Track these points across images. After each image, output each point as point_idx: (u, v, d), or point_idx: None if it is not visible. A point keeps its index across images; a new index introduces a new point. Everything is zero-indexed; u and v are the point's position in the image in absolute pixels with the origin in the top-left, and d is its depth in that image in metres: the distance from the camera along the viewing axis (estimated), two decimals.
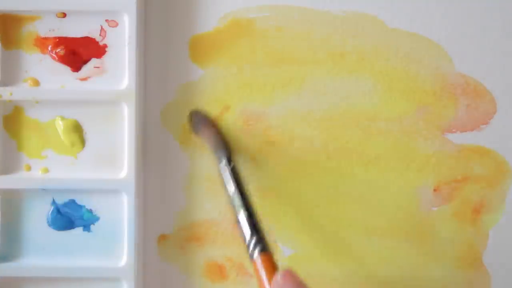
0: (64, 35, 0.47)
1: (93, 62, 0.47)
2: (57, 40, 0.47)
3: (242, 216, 0.41)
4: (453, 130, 0.47)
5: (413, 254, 0.48)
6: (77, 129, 0.47)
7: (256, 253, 0.40)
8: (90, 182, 0.46)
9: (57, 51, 0.47)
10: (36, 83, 0.47)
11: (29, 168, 0.47)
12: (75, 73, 0.47)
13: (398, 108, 0.47)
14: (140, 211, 0.47)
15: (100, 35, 0.47)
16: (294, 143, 0.48)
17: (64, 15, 0.47)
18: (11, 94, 0.46)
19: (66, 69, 0.47)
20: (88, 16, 0.46)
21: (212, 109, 0.48)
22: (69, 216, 0.47)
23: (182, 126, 0.48)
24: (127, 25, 0.46)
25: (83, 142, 0.47)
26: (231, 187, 0.42)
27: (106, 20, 0.47)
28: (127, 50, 0.46)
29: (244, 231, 0.41)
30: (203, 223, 0.48)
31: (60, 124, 0.47)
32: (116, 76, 0.47)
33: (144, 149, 0.48)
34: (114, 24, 0.47)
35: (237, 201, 0.42)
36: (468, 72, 0.47)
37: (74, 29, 0.47)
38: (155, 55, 0.48)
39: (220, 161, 0.44)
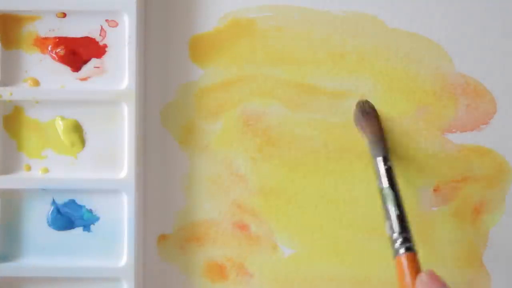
0: (64, 35, 0.47)
1: (93, 62, 0.47)
2: (57, 40, 0.47)
3: (393, 212, 0.43)
4: (453, 130, 0.47)
5: None
6: (77, 129, 0.47)
7: (402, 250, 0.41)
8: (90, 182, 0.46)
9: (57, 51, 0.47)
10: (36, 83, 0.47)
11: (29, 168, 0.47)
12: (75, 73, 0.47)
13: (398, 108, 0.47)
14: (140, 211, 0.47)
15: (100, 35, 0.47)
16: (294, 143, 0.48)
17: (64, 15, 0.47)
18: (11, 94, 0.46)
19: (66, 69, 0.47)
20: (88, 16, 0.46)
21: (212, 109, 0.48)
22: (69, 216, 0.47)
23: (182, 126, 0.48)
24: (127, 25, 0.46)
25: (83, 142, 0.47)
26: (385, 183, 0.44)
27: (106, 20, 0.47)
28: (127, 50, 0.46)
29: (393, 227, 0.42)
30: (203, 223, 0.48)
31: (60, 124, 0.47)
32: (116, 76, 0.47)
33: (144, 149, 0.48)
34: (114, 24, 0.47)
35: (391, 196, 0.43)
36: (468, 72, 0.47)
37: (74, 29, 0.47)
38: (155, 55, 0.48)
39: (376, 157, 0.45)
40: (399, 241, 0.42)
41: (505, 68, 0.47)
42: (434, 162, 0.47)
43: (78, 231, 0.47)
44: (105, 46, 0.47)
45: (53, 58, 0.47)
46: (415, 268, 0.41)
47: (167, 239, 0.48)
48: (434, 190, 0.48)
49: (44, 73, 0.47)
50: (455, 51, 0.47)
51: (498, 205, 0.47)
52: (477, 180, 0.47)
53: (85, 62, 0.47)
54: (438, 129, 0.47)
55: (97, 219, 0.47)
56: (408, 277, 0.40)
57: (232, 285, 0.48)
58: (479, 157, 0.47)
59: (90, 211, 0.47)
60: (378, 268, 0.48)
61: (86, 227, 0.47)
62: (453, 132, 0.47)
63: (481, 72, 0.47)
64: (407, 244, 0.42)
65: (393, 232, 0.42)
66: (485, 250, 0.48)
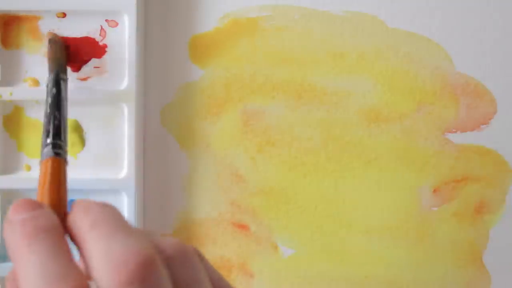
0: (64, 35, 0.47)
1: (93, 62, 0.47)
2: None
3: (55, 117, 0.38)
4: (453, 130, 0.47)
5: (413, 254, 0.48)
6: (77, 129, 0.47)
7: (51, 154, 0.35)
8: (90, 182, 0.46)
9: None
10: (36, 83, 0.47)
11: (29, 168, 0.47)
12: (75, 73, 0.47)
13: (398, 108, 0.47)
14: (140, 211, 0.47)
15: (100, 35, 0.47)
16: (294, 143, 0.48)
17: (64, 15, 0.47)
18: (11, 94, 0.46)
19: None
20: (88, 16, 0.46)
21: (212, 109, 0.48)
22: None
23: (182, 126, 0.48)
24: (127, 25, 0.46)
25: (83, 142, 0.47)
26: (53, 89, 0.40)
27: (106, 20, 0.46)
28: (127, 50, 0.46)
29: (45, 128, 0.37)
30: (203, 223, 0.48)
31: None
32: (116, 76, 0.47)
33: (144, 149, 0.48)
34: (114, 24, 0.47)
35: (56, 100, 0.39)
36: (468, 72, 0.47)
37: (74, 29, 0.47)
38: (155, 55, 0.48)
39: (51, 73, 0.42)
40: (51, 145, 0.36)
41: (505, 68, 0.47)
42: (434, 162, 0.47)
43: None
44: (105, 46, 0.47)
45: None
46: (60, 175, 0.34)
47: None
48: (434, 190, 0.48)
49: (44, 73, 0.47)
50: (455, 51, 0.47)
51: (498, 205, 0.47)
52: (477, 180, 0.47)
53: (85, 62, 0.47)
54: (438, 129, 0.47)
55: None
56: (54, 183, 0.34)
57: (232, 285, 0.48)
58: (479, 157, 0.47)
59: None
60: (377, 268, 0.48)
61: None
62: (453, 132, 0.47)
63: (481, 72, 0.47)
64: (58, 150, 0.35)
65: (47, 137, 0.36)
66: (485, 250, 0.48)
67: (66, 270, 0.26)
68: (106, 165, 0.47)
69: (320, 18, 0.47)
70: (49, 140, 0.36)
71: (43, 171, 0.34)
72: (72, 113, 0.47)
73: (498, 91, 0.47)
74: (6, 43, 0.47)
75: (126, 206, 0.46)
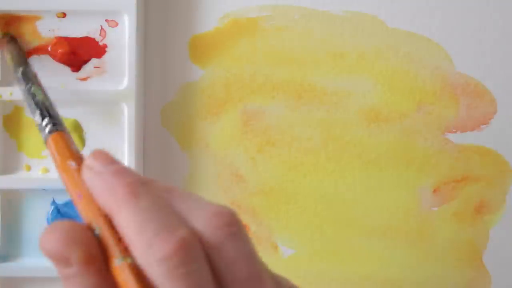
0: (64, 35, 0.47)
1: (93, 62, 0.47)
2: (57, 40, 0.47)
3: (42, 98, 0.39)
4: (453, 130, 0.47)
5: (413, 254, 0.48)
6: (77, 129, 0.47)
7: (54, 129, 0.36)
8: None
9: (57, 51, 0.47)
10: None
11: (29, 168, 0.47)
12: (75, 73, 0.47)
13: (398, 108, 0.47)
14: None
15: (100, 35, 0.47)
16: (294, 143, 0.48)
17: (64, 15, 0.47)
18: (11, 94, 0.46)
19: (66, 69, 0.47)
20: (88, 16, 0.46)
21: (212, 109, 0.48)
22: (69, 216, 0.47)
23: (182, 126, 0.48)
24: (127, 25, 0.46)
25: (83, 142, 0.47)
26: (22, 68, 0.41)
27: (106, 20, 0.46)
28: (127, 50, 0.46)
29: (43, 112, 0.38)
30: None
31: None
32: (116, 76, 0.47)
33: (144, 149, 0.48)
34: (114, 24, 0.47)
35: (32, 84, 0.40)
36: (468, 72, 0.47)
37: (74, 29, 0.47)
38: (155, 55, 0.48)
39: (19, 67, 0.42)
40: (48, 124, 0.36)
41: (505, 68, 0.47)
42: (434, 162, 0.47)
43: None
44: (105, 46, 0.47)
45: (53, 58, 0.47)
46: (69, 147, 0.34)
47: None
48: (434, 190, 0.48)
49: (44, 73, 0.47)
50: (455, 51, 0.47)
51: (498, 205, 0.47)
52: (477, 180, 0.47)
53: (85, 62, 0.47)
54: (438, 129, 0.47)
55: None
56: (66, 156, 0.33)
57: None
58: (479, 157, 0.47)
59: None
60: (378, 268, 0.48)
61: None
62: (453, 132, 0.47)
63: (481, 72, 0.47)
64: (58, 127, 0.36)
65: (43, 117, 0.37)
66: (485, 250, 0.48)
67: (177, 219, 0.28)
68: None
69: (320, 18, 0.47)
70: (44, 123, 0.36)
71: (53, 147, 0.34)
72: (72, 113, 0.47)
73: (498, 91, 0.47)
74: None
75: None
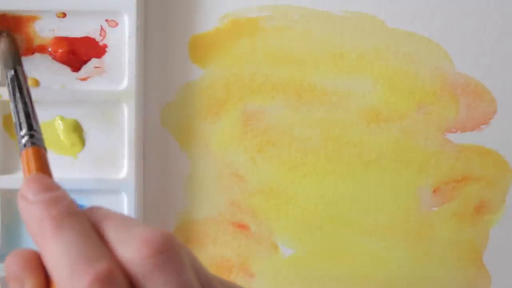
0: (64, 35, 0.47)
1: (93, 62, 0.47)
2: (57, 40, 0.47)
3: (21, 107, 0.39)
4: (453, 130, 0.47)
5: (413, 254, 0.48)
6: (77, 129, 0.47)
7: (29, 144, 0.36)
8: (90, 182, 0.46)
9: (57, 51, 0.47)
10: (36, 83, 0.47)
11: None
12: (75, 73, 0.47)
13: (398, 108, 0.47)
14: (140, 211, 0.47)
15: (100, 35, 0.47)
16: (294, 143, 0.48)
17: (64, 15, 0.47)
18: None
19: (66, 69, 0.47)
20: (88, 16, 0.46)
21: (212, 109, 0.48)
22: None
23: (182, 126, 0.48)
24: (127, 25, 0.46)
25: (83, 142, 0.47)
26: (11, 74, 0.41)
27: (106, 20, 0.46)
28: (127, 50, 0.46)
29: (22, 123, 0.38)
30: (203, 223, 0.48)
31: (60, 124, 0.47)
32: (116, 76, 0.47)
33: (144, 149, 0.48)
34: (114, 24, 0.47)
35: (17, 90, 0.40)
36: (468, 72, 0.47)
37: (74, 29, 0.47)
38: (155, 55, 0.48)
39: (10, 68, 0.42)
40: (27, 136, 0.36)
41: (505, 68, 0.47)
42: (434, 162, 0.47)
43: None
44: (105, 46, 0.47)
45: (53, 58, 0.47)
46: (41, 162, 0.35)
47: None
48: (434, 190, 0.48)
49: (44, 73, 0.47)
50: (455, 51, 0.47)
51: (498, 205, 0.47)
52: (477, 180, 0.47)
53: (85, 62, 0.47)
54: (438, 129, 0.47)
55: None
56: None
57: None
58: (479, 157, 0.47)
59: None
60: (378, 268, 0.48)
61: None
62: (453, 132, 0.47)
63: (481, 72, 0.47)
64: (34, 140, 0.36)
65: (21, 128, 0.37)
66: (485, 250, 0.48)
67: (99, 251, 0.28)
68: (106, 165, 0.47)
69: (320, 18, 0.47)
70: (22, 132, 0.37)
71: (25, 161, 0.34)
72: (72, 113, 0.47)
73: (498, 91, 0.47)
74: None
75: (126, 206, 0.46)
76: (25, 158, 0.35)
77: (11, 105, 0.40)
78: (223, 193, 0.48)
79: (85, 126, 0.47)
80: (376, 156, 0.47)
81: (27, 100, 0.40)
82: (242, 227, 0.48)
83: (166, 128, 0.48)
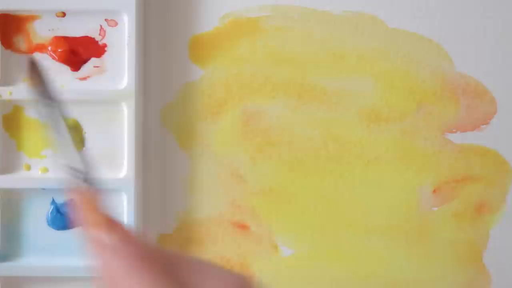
0: (63, 34, 0.47)
1: (93, 61, 0.47)
2: (57, 40, 0.47)
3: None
4: (453, 130, 0.47)
5: (413, 254, 0.48)
6: (77, 129, 0.47)
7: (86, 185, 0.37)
8: None
9: (57, 50, 0.47)
10: None
11: (29, 168, 0.47)
12: (75, 72, 0.47)
13: (398, 108, 0.47)
14: (140, 211, 0.47)
15: (99, 34, 0.47)
16: (294, 143, 0.48)
17: (63, 14, 0.46)
18: (10, 93, 0.46)
19: (65, 69, 0.47)
20: (87, 16, 0.46)
21: (212, 109, 0.48)
22: (69, 216, 0.47)
23: (182, 126, 0.48)
24: (127, 24, 0.46)
25: (83, 142, 0.47)
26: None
27: (106, 20, 0.46)
28: (127, 50, 0.46)
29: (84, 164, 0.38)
30: (203, 223, 0.48)
31: None
32: (116, 76, 0.47)
33: (144, 149, 0.48)
34: (113, 23, 0.46)
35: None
36: (468, 72, 0.47)
37: (73, 29, 0.47)
38: (155, 55, 0.47)
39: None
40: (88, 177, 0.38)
41: (505, 68, 0.47)
42: (434, 162, 0.47)
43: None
44: (104, 45, 0.47)
45: (53, 57, 0.47)
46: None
47: (167, 239, 0.48)
48: (434, 190, 0.48)
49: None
50: (455, 51, 0.47)
51: (498, 205, 0.47)
52: (477, 180, 0.47)
53: (85, 61, 0.47)
54: (438, 129, 0.47)
55: None
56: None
57: None
58: (479, 157, 0.47)
59: None
60: (378, 267, 0.48)
61: None
62: (453, 132, 0.47)
63: (481, 72, 0.47)
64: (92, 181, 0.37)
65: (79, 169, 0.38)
66: (485, 250, 0.48)
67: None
68: (106, 165, 0.47)
69: (320, 18, 0.47)
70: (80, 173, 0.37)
71: (82, 201, 0.36)
72: (72, 113, 0.47)
73: (498, 91, 0.47)
74: (6, 43, 0.47)
75: (126, 206, 0.46)
76: (80, 198, 0.36)
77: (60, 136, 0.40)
78: (223, 193, 0.48)
79: (85, 126, 0.47)
80: (376, 156, 0.47)
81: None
82: (242, 227, 0.48)
83: (166, 128, 0.48)
